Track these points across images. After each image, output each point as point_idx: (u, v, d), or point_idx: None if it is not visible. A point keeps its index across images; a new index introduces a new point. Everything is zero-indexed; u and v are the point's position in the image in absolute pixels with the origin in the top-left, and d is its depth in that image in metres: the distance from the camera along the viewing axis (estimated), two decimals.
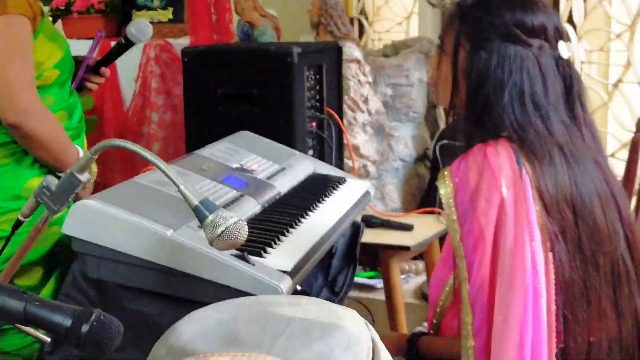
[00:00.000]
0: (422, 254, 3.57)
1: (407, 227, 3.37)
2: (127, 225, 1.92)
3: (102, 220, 1.93)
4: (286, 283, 1.90)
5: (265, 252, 2.00)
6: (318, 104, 3.50)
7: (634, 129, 3.53)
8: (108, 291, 2.04)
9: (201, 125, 3.40)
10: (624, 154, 3.82)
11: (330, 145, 3.49)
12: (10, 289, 1.29)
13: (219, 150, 2.58)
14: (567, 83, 1.91)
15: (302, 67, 3.32)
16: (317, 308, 1.63)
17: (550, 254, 1.79)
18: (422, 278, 4.01)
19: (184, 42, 4.68)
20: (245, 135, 2.87)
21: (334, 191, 2.62)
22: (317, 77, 3.49)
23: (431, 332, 2.04)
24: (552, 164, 1.83)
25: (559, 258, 1.80)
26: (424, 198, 4.31)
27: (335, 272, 2.54)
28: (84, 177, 1.65)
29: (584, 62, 4.09)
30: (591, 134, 1.92)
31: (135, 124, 4.68)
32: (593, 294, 1.83)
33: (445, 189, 1.85)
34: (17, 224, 1.74)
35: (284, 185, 2.54)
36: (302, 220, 2.30)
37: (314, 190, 2.59)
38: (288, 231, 2.18)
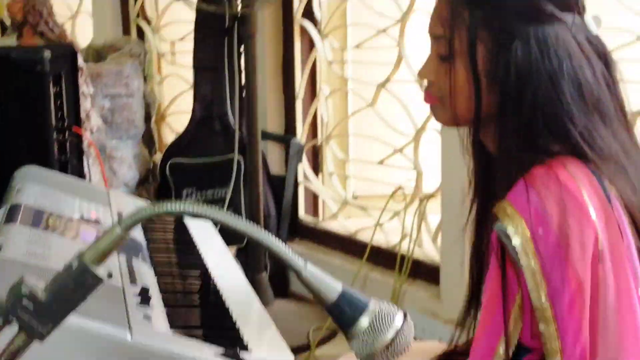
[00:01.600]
0: None
1: None
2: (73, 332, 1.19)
3: None
4: None
5: (243, 341, 1.39)
6: (60, 124, 2.76)
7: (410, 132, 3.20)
8: None
9: None
10: (394, 160, 3.51)
11: (84, 175, 2.77)
12: None
13: (41, 197, 1.84)
14: (606, 65, 1.50)
15: (49, 77, 2.59)
16: None
17: None
18: None
19: None
20: (36, 171, 2.11)
21: (193, 236, 2.00)
22: (57, 89, 2.76)
23: None
24: (624, 172, 1.43)
25: None
26: None
27: None
28: (102, 271, 0.94)
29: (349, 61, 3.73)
30: (631, 126, 1.54)
31: None
32: None
33: (516, 228, 1.36)
34: None
35: (137, 234, 1.88)
36: (215, 282, 1.68)
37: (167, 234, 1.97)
38: (226, 306, 1.56)
